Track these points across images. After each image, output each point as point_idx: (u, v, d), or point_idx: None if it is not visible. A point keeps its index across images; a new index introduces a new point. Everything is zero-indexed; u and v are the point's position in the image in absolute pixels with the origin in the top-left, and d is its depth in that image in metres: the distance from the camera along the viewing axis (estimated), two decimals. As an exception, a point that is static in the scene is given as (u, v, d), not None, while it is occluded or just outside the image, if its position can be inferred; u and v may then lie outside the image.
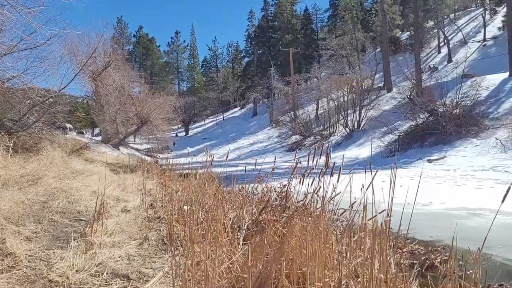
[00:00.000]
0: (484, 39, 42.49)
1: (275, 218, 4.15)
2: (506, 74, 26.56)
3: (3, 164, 5.63)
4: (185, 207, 5.16)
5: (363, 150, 23.03)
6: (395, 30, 41.88)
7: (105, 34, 10.33)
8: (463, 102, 20.25)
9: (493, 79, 26.23)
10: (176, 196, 7.03)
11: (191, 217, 4.49)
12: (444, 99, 20.63)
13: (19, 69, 9.80)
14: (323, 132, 29.68)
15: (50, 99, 9.73)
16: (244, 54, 58.55)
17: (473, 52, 41.17)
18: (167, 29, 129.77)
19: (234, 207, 4.94)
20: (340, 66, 39.34)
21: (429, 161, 16.72)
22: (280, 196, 5.07)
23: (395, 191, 2.81)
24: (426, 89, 21.59)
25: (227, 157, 6.42)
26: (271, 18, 54.04)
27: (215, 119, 59.60)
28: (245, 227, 4.09)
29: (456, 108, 19.94)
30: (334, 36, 44.33)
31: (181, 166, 13.42)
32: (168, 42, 68.51)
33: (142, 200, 5.86)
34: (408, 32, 49.93)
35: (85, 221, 4.32)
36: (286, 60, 47.12)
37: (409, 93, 22.61)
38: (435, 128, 19.63)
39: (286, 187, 4.84)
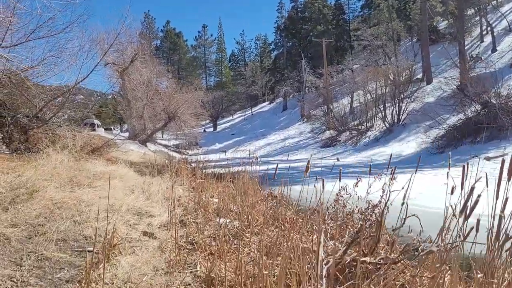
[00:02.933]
0: (532, 26, 39.49)
1: (370, 259, 2.78)
2: None
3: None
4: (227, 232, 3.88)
5: (405, 146, 21.27)
6: (436, 18, 39.37)
7: (127, 20, 9.46)
8: (521, 93, 18.23)
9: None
10: (212, 206, 5.77)
11: (239, 250, 3.20)
12: (497, 89, 18.65)
13: (35, 60, 8.75)
14: (359, 127, 27.94)
15: (69, 92, 8.61)
16: (274, 47, 56.92)
17: (519, 41, 38.30)
18: (194, 23, 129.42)
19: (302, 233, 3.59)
20: (375, 57, 37.37)
21: (487, 158, 14.91)
22: (367, 218, 3.69)
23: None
24: (477, 78, 19.58)
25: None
26: (301, 8, 52.23)
27: (243, 114, 58.39)
28: (325, 272, 2.74)
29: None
30: (368, 26, 42.20)
31: (213, 164, 12.22)
32: (195, 36, 67.71)
33: (171, 217, 4.61)
34: (446, 21, 47.24)
35: (92, 252, 3.12)
36: (318, 52, 45.30)
37: (458, 83, 20.60)
38: (489, 122, 17.69)
39: (380, 208, 3.46)
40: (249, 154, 25.10)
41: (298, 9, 52.65)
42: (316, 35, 43.46)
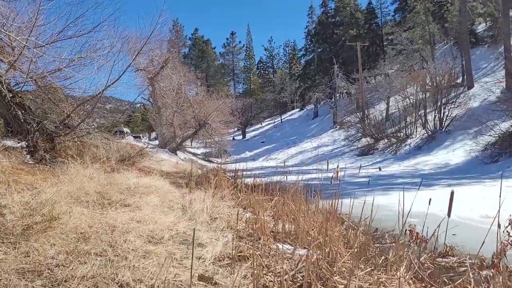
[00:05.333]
0: None
1: None
2: None
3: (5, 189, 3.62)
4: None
5: (452, 155, 19.74)
6: (478, 19, 37.49)
7: (159, 22, 8.79)
8: None
9: None
10: (269, 229, 4.77)
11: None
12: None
13: (63, 61, 8.01)
14: (398, 134, 26.46)
15: (99, 95, 7.80)
16: (304, 52, 55.89)
17: None
18: (223, 30, 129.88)
19: None
20: (411, 61, 35.84)
21: (554, 168, 13.41)
22: None
23: None
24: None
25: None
26: (333, 13, 51.06)
27: (272, 121, 57.45)
28: None
29: None
30: (402, 30, 40.65)
31: (250, 173, 11.24)
32: (224, 44, 67.49)
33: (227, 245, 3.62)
34: (484, 24, 45.15)
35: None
36: (350, 57, 44.00)
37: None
38: (550, 128, 16.11)
39: None
40: (284, 163, 24.00)
41: (329, 14, 51.51)
42: (348, 39, 42.18)
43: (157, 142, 34.56)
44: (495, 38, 40.02)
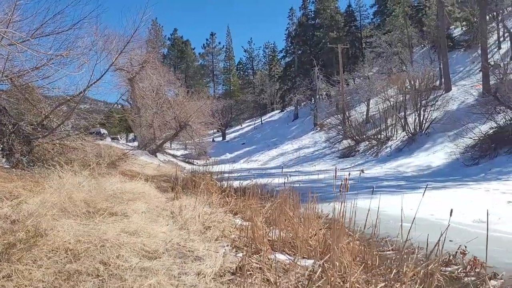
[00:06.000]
0: (552, 33, 38.21)
1: None
2: None
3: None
4: None
5: (433, 157, 19.91)
6: (456, 23, 38.20)
7: (143, 20, 8.47)
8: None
9: None
10: (267, 238, 4.53)
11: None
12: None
13: (41, 60, 7.59)
14: (378, 136, 26.63)
15: (80, 95, 7.42)
16: (284, 54, 55.84)
17: (540, 47, 37.01)
18: (202, 31, 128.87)
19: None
20: (390, 64, 36.24)
21: (535, 171, 13.59)
22: None
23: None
24: (510, 83, 18.24)
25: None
26: (313, 16, 51.26)
27: (252, 123, 57.28)
28: None
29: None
30: (381, 33, 41.11)
31: (236, 175, 10.97)
32: (203, 44, 66.89)
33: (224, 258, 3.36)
34: (460, 28, 46.10)
35: None
36: (330, 59, 44.21)
37: (494, 89, 19.26)
38: (529, 131, 16.38)
39: None
40: (262, 165, 23.68)
41: (309, 16, 51.68)
42: (328, 41, 42.39)
43: (135, 143, 33.90)
44: (471, 42, 40.91)
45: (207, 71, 66.71)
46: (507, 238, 5.37)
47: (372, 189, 5.00)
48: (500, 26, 40.99)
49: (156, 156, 24.37)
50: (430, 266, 3.80)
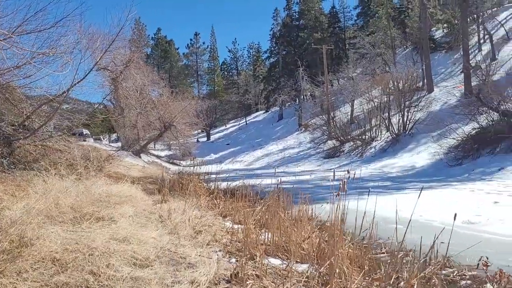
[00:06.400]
0: (531, 35, 39.08)
1: None
2: None
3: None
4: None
5: (418, 158, 20.11)
6: (438, 25, 38.73)
7: (128, 19, 8.29)
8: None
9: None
10: (260, 243, 4.41)
11: None
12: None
13: (22, 58, 7.33)
14: (363, 137, 26.78)
15: (64, 95, 7.19)
16: (269, 54, 55.80)
17: (519, 49, 37.76)
18: (186, 30, 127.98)
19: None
20: (374, 65, 36.54)
21: (517, 171, 13.78)
22: None
23: None
24: (494, 85, 18.55)
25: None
26: (297, 16, 51.37)
27: (237, 123, 57.15)
28: None
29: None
30: (365, 34, 41.45)
31: (222, 176, 10.82)
32: (187, 44, 66.38)
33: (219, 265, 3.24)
34: (441, 30, 46.82)
35: None
36: (314, 60, 44.37)
37: (476, 90, 19.53)
38: (510, 131, 16.62)
39: None
40: (247, 165, 23.52)
41: (293, 17, 51.80)
42: (313, 42, 42.54)
43: (118, 144, 33.42)
44: (452, 43, 41.58)
45: (191, 71, 66.28)
46: (497, 240, 5.38)
47: (357, 190, 4.92)
48: (480, 28, 41.75)
49: (140, 157, 24.05)
50: (427, 270, 3.76)
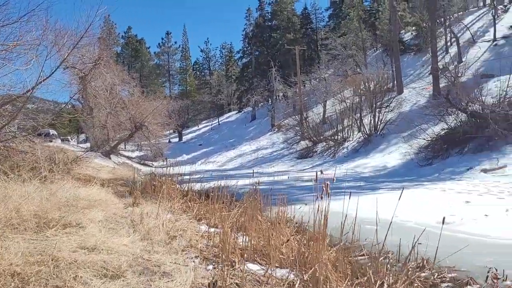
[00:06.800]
0: (495, 39, 40.45)
1: None
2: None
3: None
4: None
5: (389, 158, 20.38)
6: (407, 28, 39.54)
7: (98, 14, 7.95)
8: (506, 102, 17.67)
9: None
10: (238, 248, 4.24)
11: None
12: (483, 97, 18.11)
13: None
14: (335, 137, 27.00)
15: (28, 93, 6.82)
16: (242, 55, 55.59)
17: (484, 52, 39.05)
18: (157, 29, 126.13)
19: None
20: (345, 66, 36.97)
21: (484, 171, 14.12)
22: None
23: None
24: (462, 86, 18.99)
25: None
26: (269, 17, 51.40)
27: (209, 123, 56.75)
28: None
29: (499, 107, 17.26)
30: (337, 35, 41.90)
31: (195, 177, 10.58)
32: (159, 43, 65.33)
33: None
34: (410, 33, 47.90)
35: None
36: (287, 61, 44.52)
37: (445, 91, 19.95)
38: (477, 132, 17.07)
39: None
40: (220, 166, 23.28)
41: (266, 18, 51.81)
42: (285, 43, 42.67)
43: (87, 145, 32.52)
44: (421, 46, 42.60)
45: (163, 70, 65.34)
46: (474, 240, 5.38)
47: (333, 191, 4.79)
48: (447, 31, 42.94)
49: (110, 158, 23.44)
50: (410, 273, 3.69)
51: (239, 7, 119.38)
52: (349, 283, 3.04)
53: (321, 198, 3.55)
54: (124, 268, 2.90)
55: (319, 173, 18.35)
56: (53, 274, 2.34)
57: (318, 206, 3.83)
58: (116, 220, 5.05)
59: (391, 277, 3.08)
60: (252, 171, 12.84)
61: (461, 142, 17.60)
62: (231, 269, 3.33)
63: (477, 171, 14.36)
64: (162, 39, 65.24)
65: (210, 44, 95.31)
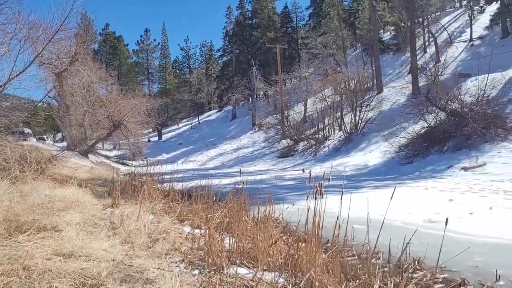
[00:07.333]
0: (471, 39, 41.28)
1: None
2: (510, 73, 24.76)
3: None
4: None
5: (370, 156, 20.47)
6: (387, 27, 39.93)
7: (74, 7, 7.64)
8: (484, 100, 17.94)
9: (495, 78, 24.38)
10: (224, 251, 4.04)
11: None
12: (462, 97, 18.36)
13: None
14: (316, 136, 27.01)
15: (0, 90, 6.47)
16: (222, 53, 55.22)
17: (461, 52, 39.80)
18: (136, 27, 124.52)
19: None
20: (326, 65, 37.07)
21: (464, 169, 14.25)
22: None
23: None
24: (442, 85, 19.16)
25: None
26: (250, 15, 51.18)
27: (189, 122, 56.18)
28: None
29: (477, 105, 17.50)
30: (317, 34, 42.03)
31: (176, 177, 10.32)
32: (137, 41, 64.39)
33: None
34: (389, 32, 48.44)
35: None
36: (268, 60, 44.43)
37: (425, 90, 20.13)
38: (457, 130, 17.29)
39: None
40: (200, 165, 22.98)
41: (246, 16, 51.58)
42: (266, 41, 42.56)
43: (64, 143, 31.74)
44: (400, 45, 43.15)
45: (142, 68, 64.41)
46: (462, 239, 5.34)
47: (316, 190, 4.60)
48: (425, 31, 43.59)
49: (87, 157, 22.89)
50: (406, 275, 3.57)
51: (220, 5, 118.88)
52: (342, 284, 2.89)
53: (315, 198, 3.38)
54: (104, 276, 2.68)
55: (301, 172, 18.31)
56: (25, 286, 2.11)
57: (309, 207, 3.68)
58: (94, 222, 4.81)
59: (389, 281, 2.94)
60: (236, 170, 12.67)
61: (441, 140, 17.79)
62: (218, 274, 3.14)
63: (457, 169, 14.50)
64: (141, 36, 64.42)
65: (190, 42, 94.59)
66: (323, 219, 3.52)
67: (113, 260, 3.12)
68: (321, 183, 3.32)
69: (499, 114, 17.59)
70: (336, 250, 3.58)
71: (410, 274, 3.96)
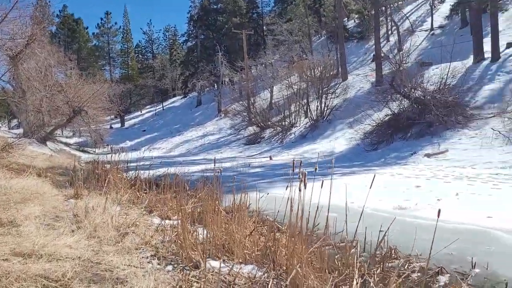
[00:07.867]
0: (432, 28, 42.29)
1: None
2: (469, 62, 25.50)
3: None
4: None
5: (336, 143, 20.67)
6: (352, 15, 40.24)
7: None
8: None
9: (456, 67, 25.14)
10: (198, 243, 3.84)
11: None
12: (424, 84, 18.82)
13: None
14: (282, 123, 27.04)
15: None
16: (186, 38, 54.00)
17: (422, 41, 40.70)
18: (96, 9, 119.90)
19: None
20: (292, 52, 37.05)
21: (428, 155, 14.64)
22: None
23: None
24: (406, 73, 19.52)
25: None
26: (215, 0, 50.21)
27: (153, 109, 55.00)
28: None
29: (439, 93, 17.98)
30: (283, 21, 41.86)
31: (141, 164, 9.99)
32: (98, 24, 61.93)
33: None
34: (353, 20, 48.92)
35: None
36: (233, 45, 43.92)
37: (390, 78, 20.43)
38: (420, 117, 17.74)
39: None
40: (165, 153, 22.52)
41: (211, 1, 50.59)
42: (232, 27, 41.98)
43: (20, 130, 30.32)
44: (364, 33, 43.67)
45: (103, 53, 62.20)
46: (433, 225, 5.39)
47: (284, 177, 4.46)
48: (388, 20, 44.26)
49: (46, 145, 21.93)
50: (384, 266, 3.53)
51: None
52: (327, 280, 2.78)
53: (300, 190, 3.24)
54: (69, 276, 2.44)
55: (268, 159, 18.21)
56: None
57: (289, 197, 3.54)
58: (56, 215, 4.51)
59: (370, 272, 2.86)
60: (203, 158, 12.43)
61: (404, 127, 18.21)
62: (194, 270, 2.96)
63: (421, 155, 14.87)
64: (101, 19, 61.98)
65: (153, 26, 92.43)
66: (309, 211, 3.37)
67: (79, 258, 2.88)
68: (305, 173, 3.18)
69: (460, 102, 18.17)
70: (319, 242, 3.46)
71: (387, 263, 3.93)
